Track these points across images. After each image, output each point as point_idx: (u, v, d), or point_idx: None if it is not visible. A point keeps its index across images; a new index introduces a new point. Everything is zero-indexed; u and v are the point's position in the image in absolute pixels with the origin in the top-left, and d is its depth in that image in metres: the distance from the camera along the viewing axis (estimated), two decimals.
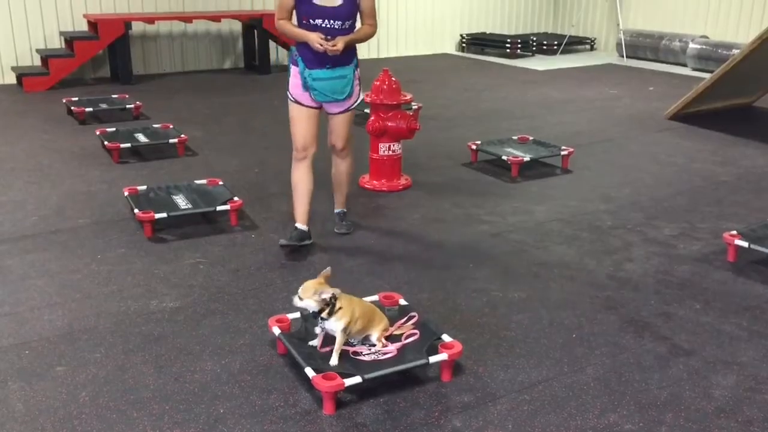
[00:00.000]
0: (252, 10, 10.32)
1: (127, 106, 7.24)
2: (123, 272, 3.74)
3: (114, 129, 6.21)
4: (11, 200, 4.79)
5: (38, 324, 3.20)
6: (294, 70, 3.97)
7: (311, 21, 3.77)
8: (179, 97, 8.40)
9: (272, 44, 10.22)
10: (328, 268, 2.94)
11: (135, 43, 9.51)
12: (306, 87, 3.95)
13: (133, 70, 9.20)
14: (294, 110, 4.07)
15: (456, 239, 4.25)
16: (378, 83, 5.05)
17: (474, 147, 5.80)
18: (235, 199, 4.49)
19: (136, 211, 4.26)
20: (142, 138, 6.01)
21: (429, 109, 7.57)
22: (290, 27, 3.84)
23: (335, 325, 2.78)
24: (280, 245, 3.99)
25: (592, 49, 12.62)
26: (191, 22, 9.57)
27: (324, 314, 2.77)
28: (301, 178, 4.11)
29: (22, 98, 8.16)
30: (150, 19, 9.16)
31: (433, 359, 2.77)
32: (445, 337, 2.91)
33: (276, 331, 2.95)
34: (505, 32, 12.90)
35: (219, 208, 4.40)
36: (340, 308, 2.78)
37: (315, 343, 2.90)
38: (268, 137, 6.59)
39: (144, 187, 4.70)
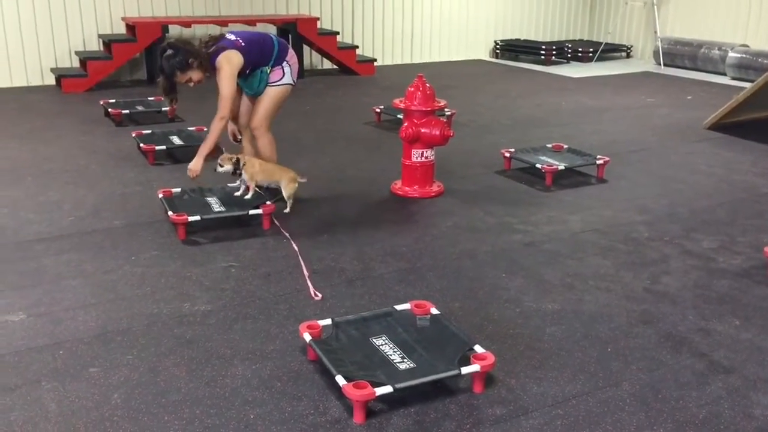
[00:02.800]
0: (287, 14, 10.38)
1: (163, 108, 7.31)
2: (156, 274, 3.77)
3: (150, 131, 6.28)
4: (49, 200, 4.86)
5: (72, 324, 3.23)
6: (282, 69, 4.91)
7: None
8: (211, 100, 8.38)
9: (306, 48, 10.26)
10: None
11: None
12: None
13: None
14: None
15: (489, 248, 4.21)
16: (412, 89, 5.03)
17: (508, 154, 5.75)
18: (268, 203, 4.50)
19: (170, 213, 4.29)
20: (177, 140, 6.07)
21: (462, 115, 7.53)
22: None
23: (245, 174, 4.53)
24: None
25: (628, 56, 12.46)
26: (227, 25, 9.63)
27: (238, 171, 4.51)
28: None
29: (60, 99, 8.31)
30: (187, 23, 9.26)
31: (465, 370, 2.73)
32: (478, 348, 2.87)
33: (307, 337, 2.94)
34: (540, 39, 12.80)
35: (252, 212, 4.42)
36: (244, 164, 4.52)
37: (238, 193, 4.62)
38: (300, 142, 6.61)
39: (178, 190, 4.74)
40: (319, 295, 3.59)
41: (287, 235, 4.26)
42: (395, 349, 2.91)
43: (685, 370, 2.95)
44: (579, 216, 4.74)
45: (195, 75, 4.61)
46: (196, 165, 4.54)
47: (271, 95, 4.96)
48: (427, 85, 5.05)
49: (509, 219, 4.68)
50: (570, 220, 4.66)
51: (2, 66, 8.86)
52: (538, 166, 5.44)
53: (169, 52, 4.50)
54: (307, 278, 3.74)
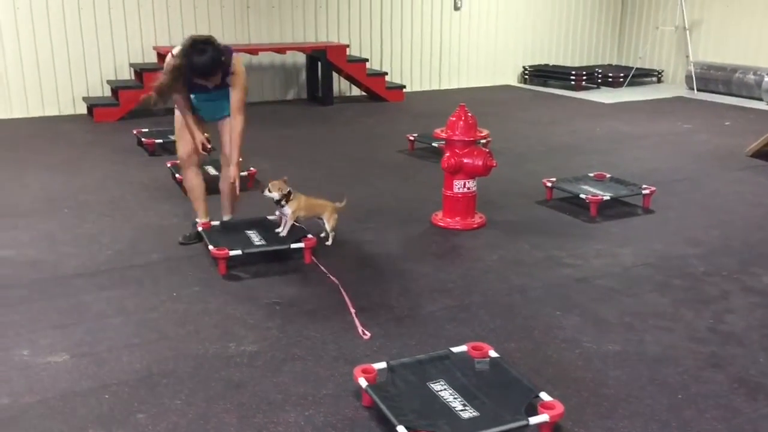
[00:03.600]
0: (316, 41, 10.38)
1: None
2: (199, 312, 3.66)
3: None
4: (86, 233, 4.79)
5: (117, 366, 3.13)
6: None
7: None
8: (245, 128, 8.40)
9: (335, 76, 10.23)
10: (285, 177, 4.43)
11: None
12: None
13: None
14: (179, 119, 4.55)
15: (539, 283, 4.06)
16: (454, 119, 4.93)
17: (549, 184, 5.61)
18: (309, 236, 4.39)
19: (210, 247, 4.20)
20: (211, 171, 6.00)
21: (496, 142, 7.40)
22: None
23: (287, 210, 4.39)
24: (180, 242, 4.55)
25: (659, 81, 12.31)
26: (257, 53, 9.66)
27: (282, 202, 4.38)
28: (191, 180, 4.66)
29: (92, 128, 8.31)
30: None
31: (533, 420, 2.58)
32: (544, 395, 2.72)
33: (363, 382, 2.81)
34: (568, 64, 12.70)
35: (293, 245, 4.31)
36: (291, 200, 4.39)
37: (279, 229, 4.46)
38: (334, 171, 6.53)
39: (217, 223, 4.65)
40: (368, 334, 3.46)
41: (330, 276, 4.14)
42: (455, 396, 2.77)
43: (764, 419, 2.78)
44: (629, 249, 4.58)
45: (218, 78, 4.21)
46: (235, 173, 4.41)
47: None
48: (469, 114, 4.95)
49: (557, 252, 4.53)
50: (620, 254, 4.50)
51: (35, 95, 8.91)
52: (582, 196, 5.30)
53: (208, 46, 4.03)
54: (354, 316, 3.62)
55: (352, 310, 3.69)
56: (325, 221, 4.57)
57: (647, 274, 4.19)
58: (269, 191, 4.38)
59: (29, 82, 8.84)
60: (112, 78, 9.27)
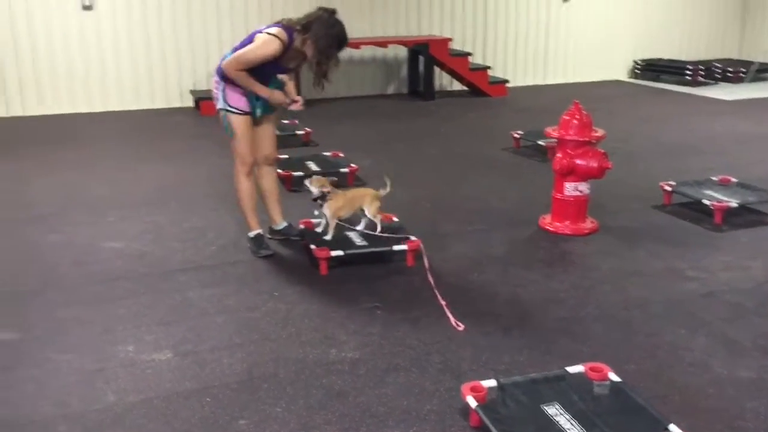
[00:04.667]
0: (419, 35, 10.22)
1: (297, 132, 7.28)
2: (300, 314, 3.58)
3: (286, 156, 6.21)
4: (194, 227, 4.83)
5: (218, 367, 3.08)
6: (233, 88, 4.04)
7: (271, 73, 4.09)
8: (346, 123, 8.39)
9: (436, 70, 10.04)
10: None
11: (304, 68, 9.64)
12: (251, 104, 4.10)
13: (303, 96, 9.30)
14: (243, 123, 4.14)
15: (660, 297, 3.76)
16: (567, 117, 4.65)
17: (668, 188, 5.23)
18: (412, 238, 4.24)
19: (312, 247, 4.12)
20: (313, 166, 5.96)
21: (606, 141, 6.96)
22: (251, 81, 3.98)
23: (326, 211, 4.18)
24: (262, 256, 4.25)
25: None
26: (359, 47, 9.59)
27: (319, 201, 4.17)
28: (251, 187, 4.31)
29: (198, 121, 8.48)
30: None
31: None
32: (673, 428, 2.47)
33: (472, 402, 2.63)
34: (683, 58, 11.99)
35: (395, 247, 4.17)
36: (330, 199, 4.15)
37: (319, 229, 4.30)
38: (437, 168, 6.36)
39: (319, 220, 4.57)
40: (462, 326, 3.38)
41: (429, 275, 3.97)
42: (572, 422, 2.55)
43: None
44: (760, 262, 4.19)
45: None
46: (279, 96, 4.08)
47: (272, 118, 4.36)
48: (584, 113, 4.66)
49: (678, 263, 4.19)
50: (751, 267, 4.11)
51: (145, 88, 9.19)
52: (706, 202, 4.90)
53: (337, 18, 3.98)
54: (444, 307, 3.51)
55: (442, 302, 3.59)
56: (366, 210, 4.31)
57: None
58: (310, 183, 4.23)
59: (141, 74, 9.12)
60: None
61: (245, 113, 4.13)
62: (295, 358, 3.17)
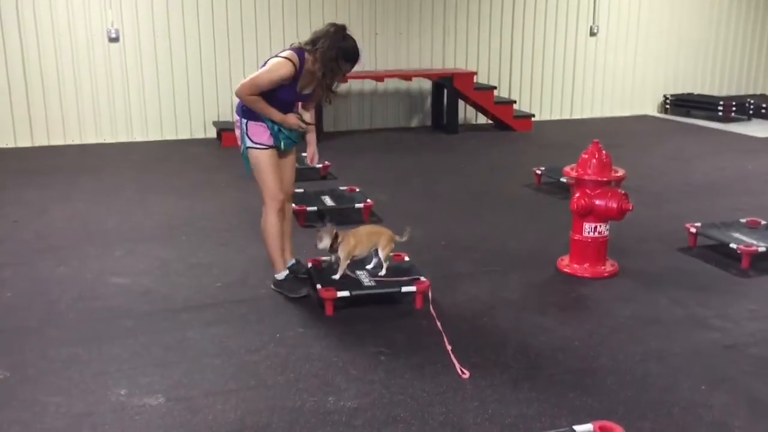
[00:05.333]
0: (443, 68, 10.17)
1: (316, 165, 7.19)
2: (301, 357, 3.46)
3: (301, 190, 6.13)
4: (200, 262, 4.76)
5: (210, 415, 2.96)
6: (255, 124, 3.99)
7: (289, 101, 4.00)
8: (366, 157, 8.32)
9: (461, 103, 9.96)
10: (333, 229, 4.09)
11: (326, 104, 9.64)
12: (274, 137, 4.01)
13: (324, 128, 9.31)
14: (269, 157, 4.04)
15: (679, 349, 3.56)
16: (586, 156, 4.50)
17: (693, 230, 5.03)
18: (422, 279, 4.11)
19: (318, 286, 4.01)
20: (328, 201, 5.88)
21: (631, 179, 6.75)
22: (265, 105, 3.90)
23: (340, 253, 4.07)
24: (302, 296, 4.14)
25: None
26: (383, 80, 9.56)
27: (334, 246, 4.05)
28: (280, 226, 4.16)
29: (220, 153, 8.49)
30: (343, 79, 9.23)
31: None
32: None
33: None
34: (715, 93, 11.75)
35: (404, 289, 4.04)
36: (341, 242, 4.06)
37: (336, 276, 4.09)
38: (455, 205, 6.23)
39: (327, 259, 4.46)
40: (467, 373, 3.26)
41: (437, 321, 3.83)
42: None
43: None
44: None
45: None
46: (293, 120, 3.98)
47: (293, 152, 4.26)
48: (604, 152, 4.51)
49: (701, 311, 3.99)
50: None
51: (169, 119, 9.24)
52: (733, 245, 4.69)
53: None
54: (450, 352, 3.40)
55: (448, 347, 3.47)
56: (379, 250, 4.17)
57: None
58: (320, 241, 4.07)
59: (164, 106, 9.19)
60: None
61: (270, 147, 4.03)
62: (291, 407, 3.03)
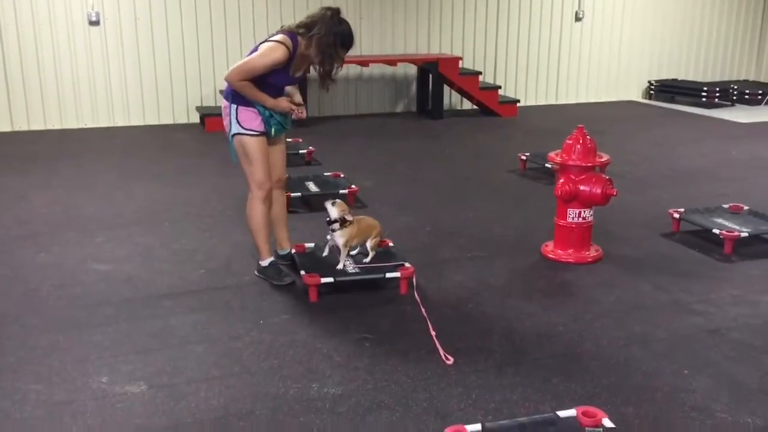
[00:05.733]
0: (428, 53, 10.12)
1: (300, 150, 7.16)
2: (285, 344, 3.44)
3: (285, 176, 6.08)
4: (183, 248, 4.72)
5: (194, 401, 2.94)
6: (246, 109, 3.90)
7: (281, 86, 3.94)
8: (351, 142, 8.28)
9: (446, 88, 9.92)
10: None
11: (311, 85, 9.57)
12: (265, 122, 3.94)
13: (308, 113, 9.23)
14: (259, 144, 3.96)
15: (662, 334, 3.57)
16: (570, 142, 4.49)
17: (677, 215, 5.05)
18: (406, 264, 4.09)
19: (302, 272, 3.99)
20: (312, 187, 5.84)
21: (616, 165, 6.79)
22: (256, 91, 3.84)
23: (338, 238, 4.01)
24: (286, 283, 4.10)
25: None
26: (368, 65, 9.50)
27: (335, 225, 3.98)
28: (267, 213, 4.11)
29: (203, 138, 8.41)
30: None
31: None
32: None
33: None
34: (699, 79, 11.79)
35: (388, 275, 4.02)
36: (345, 227, 3.98)
37: (339, 266, 4.05)
38: (440, 190, 6.21)
39: (312, 245, 4.44)
40: (451, 359, 3.25)
41: (422, 308, 3.82)
42: None
43: None
44: None
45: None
46: (285, 104, 3.91)
47: (283, 138, 4.20)
48: (588, 137, 4.50)
49: (684, 296, 4.01)
50: (762, 302, 3.92)
51: (151, 103, 9.14)
52: (716, 231, 4.71)
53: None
54: (434, 338, 3.40)
55: (433, 333, 3.47)
56: (369, 241, 4.15)
57: None
58: (332, 205, 4.02)
59: (146, 90, 9.08)
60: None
61: (261, 134, 3.96)
62: (275, 394, 3.01)
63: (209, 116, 8.77)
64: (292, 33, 3.84)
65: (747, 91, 10.84)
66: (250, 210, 4.10)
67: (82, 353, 3.33)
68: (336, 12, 3.83)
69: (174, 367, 3.22)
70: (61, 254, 4.60)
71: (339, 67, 3.90)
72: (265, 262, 4.18)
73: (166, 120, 9.24)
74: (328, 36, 3.77)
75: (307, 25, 3.82)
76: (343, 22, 3.84)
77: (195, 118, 9.27)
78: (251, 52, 3.86)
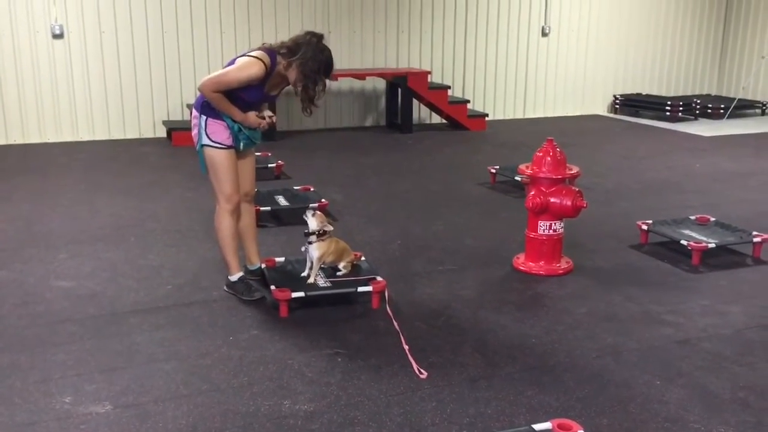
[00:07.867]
0: (397, 67, 10.14)
1: (269, 165, 7.10)
2: (255, 360, 3.37)
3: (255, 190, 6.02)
4: (149, 264, 4.61)
5: (161, 421, 2.86)
6: (215, 122, 3.87)
7: (253, 102, 3.90)
8: (321, 156, 8.24)
9: (415, 102, 9.94)
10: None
11: (280, 99, 9.52)
12: (234, 137, 3.91)
13: (277, 127, 9.16)
14: (226, 158, 3.92)
15: (634, 345, 3.58)
16: (541, 154, 4.51)
17: (645, 227, 5.09)
18: (378, 278, 4.05)
19: (272, 287, 3.92)
20: (282, 201, 5.78)
21: (584, 177, 6.87)
22: (227, 103, 3.81)
23: (314, 251, 3.97)
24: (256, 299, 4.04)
25: (763, 113, 11.46)
26: (336, 79, 9.47)
27: (312, 238, 3.96)
28: (234, 227, 4.06)
29: (170, 152, 8.29)
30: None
31: None
32: None
33: None
34: (663, 94, 12.01)
35: (360, 289, 3.98)
36: (323, 241, 3.97)
37: (311, 280, 3.99)
38: (410, 204, 6.19)
39: (282, 259, 4.38)
40: (425, 373, 3.22)
41: (394, 320, 3.78)
42: None
43: None
44: (739, 307, 4.03)
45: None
46: (253, 118, 3.87)
47: (252, 152, 4.17)
48: (558, 149, 4.53)
49: (654, 307, 4.03)
50: (730, 312, 3.96)
51: (116, 117, 9.00)
52: (683, 242, 4.76)
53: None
54: (408, 352, 3.37)
55: (406, 347, 3.44)
56: (342, 262, 4.13)
57: (763, 338, 3.64)
58: (312, 216, 4.00)
59: (112, 104, 8.94)
60: (192, 102, 9.27)
61: (229, 147, 3.91)
62: (245, 412, 2.94)
63: (176, 130, 8.67)
64: (272, 51, 3.82)
65: (710, 106, 11.06)
66: (218, 223, 4.04)
67: (44, 373, 3.22)
68: (320, 38, 3.82)
69: (140, 385, 3.13)
70: (23, 271, 4.47)
71: (322, 92, 3.87)
72: (234, 277, 4.11)
73: (132, 134, 9.10)
74: (313, 62, 3.75)
75: (290, 48, 3.79)
76: (326, 49, 3.83)
77: (162, 133, 9.15)
78: (228, 65, 3.82)
